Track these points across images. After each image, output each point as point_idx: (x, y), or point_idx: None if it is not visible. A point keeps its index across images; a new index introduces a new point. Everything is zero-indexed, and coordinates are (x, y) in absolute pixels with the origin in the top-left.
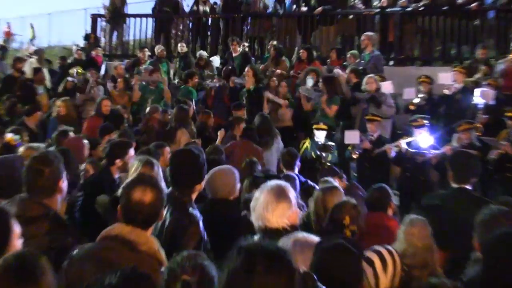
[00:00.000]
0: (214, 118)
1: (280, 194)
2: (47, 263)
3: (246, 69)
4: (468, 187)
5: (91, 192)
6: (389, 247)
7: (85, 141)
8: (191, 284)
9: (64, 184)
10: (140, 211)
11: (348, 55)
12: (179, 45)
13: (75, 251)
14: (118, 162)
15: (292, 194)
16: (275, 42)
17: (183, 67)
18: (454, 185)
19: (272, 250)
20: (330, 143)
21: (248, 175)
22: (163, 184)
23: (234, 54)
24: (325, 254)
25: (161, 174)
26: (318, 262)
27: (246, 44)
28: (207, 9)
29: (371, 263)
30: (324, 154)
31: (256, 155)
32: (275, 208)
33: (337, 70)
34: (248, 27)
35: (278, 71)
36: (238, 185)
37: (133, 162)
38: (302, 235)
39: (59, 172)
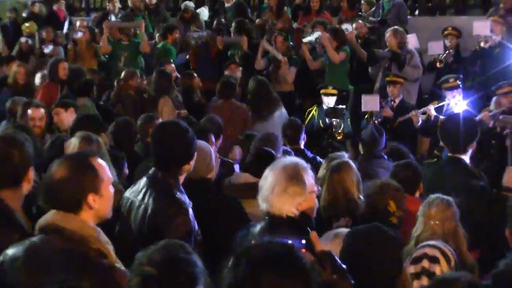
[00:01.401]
0: (202, 81)
1: (292, 176)
2: None
3: (234, 26)
4: (463, 156)
5: None
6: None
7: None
8: (152, 279)
9: (32, 173)
10: (51, 189)
11: (362, 2)
12: None
13: (9, 250)
14: None
15: (309, 177)
16: None
17: (153, 23)
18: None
19: (278, 252)
20: (341, 106)
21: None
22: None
23: (226, 5)
24: (358, 238)
25: (104, 150)
26: (349, 247)
27: None
28: None
29: (436, 260)
30: (334, 122)
31: (243, 117)
32: (282, 191)
33: (347, 26)
34: None
35: (279, 24)
36: (214, 162)
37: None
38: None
39: (29, 158)
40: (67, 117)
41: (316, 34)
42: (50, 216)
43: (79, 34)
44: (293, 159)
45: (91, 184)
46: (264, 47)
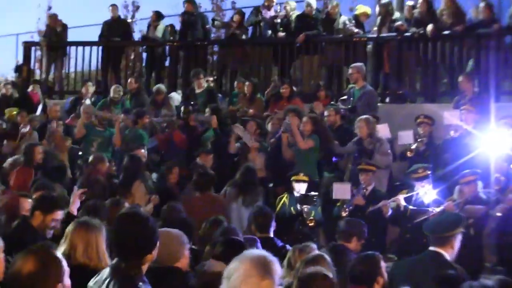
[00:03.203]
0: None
1: (265, 269)
2: None
3: (207, 110)
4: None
5: None
6: None
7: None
8: None
9: None
10: (17, 284)
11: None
12: (129, 80)
13: None
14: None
15: (279, 271)
16: (246, 83)
17: (133, 106)
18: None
19: None
20: (313, 193)
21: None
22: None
23: (197, 90)
24: None
25: (96, 238)
26: None
27: (211, 79)
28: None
29: None
30: (306, 209)
31: (220, 210)
32: (257, 284)
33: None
34: (214, 57)
35: (251, 111)
36: (186, 252)
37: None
38: None
39: None
40: None
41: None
42: None
43: (27, 128)
44: (260, 251)
45: (57, 280)
46: (237, 132)
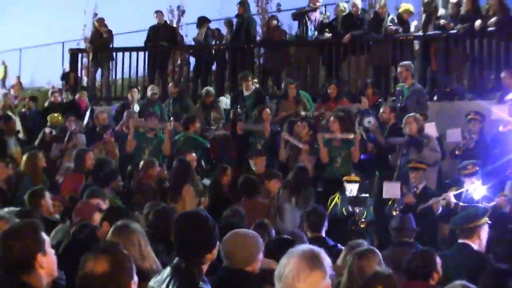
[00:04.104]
0: None
1: (314, 261)
2: None
3: (259, 111)
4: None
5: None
6: None
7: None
8: None
9: (46, 258)
10: (93, 285)
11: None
12: (169, 85)
13: None
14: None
15: (327, 262)
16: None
17: (177, 111)
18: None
19: None
20: (364, 194)
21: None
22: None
23: (245, 93)
24: None
25: (140, 239)
26: None
27: (256, 80)
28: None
29: None
30: (357, 210)
31: (265, 214)
32: (307, 277)
33: (369, 119)
34: (261, 60)
35: (303, 112)
36: (261, 255)
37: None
38: None
39: (33, 245)
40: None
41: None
42: None
43: (73, 127)
44: (307, 246)
45: (129, 277)
46: (285, 138)
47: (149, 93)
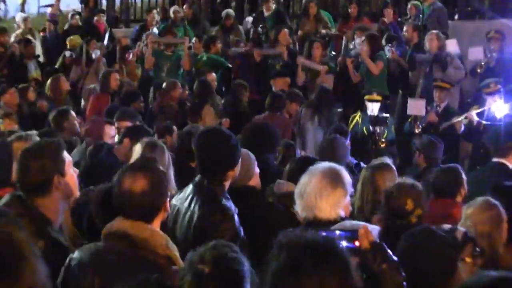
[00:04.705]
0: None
1: (336, 179)
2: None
3: (277, 32)
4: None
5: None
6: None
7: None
8: (205, 276)
9: (61, 179)
10: (132, 202)
11: (409, 6)
12: (184, 6)
13: (75, 254)
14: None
15: (348, 180)
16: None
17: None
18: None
19: (318, 242)
20: (385, 114)
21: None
22: (170, 171)
23: (265, 14)
24: (411, 240)
25: (167, 159)
26: (404, 251)
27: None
28: None
29: None
30: (378, 130)
31: (287, 130)
32: (329, 195)
33: (388, 48)
34: None
35: (324, 31)
36: (257, 169)
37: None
38: (350, 223)
39: (53, 165)
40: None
41: (355, 50)
42: (118, 224)
43: (98, 53)
44: (328, 164)
45: (166, 195)
46: (302, 63)
47: (172, 15)
